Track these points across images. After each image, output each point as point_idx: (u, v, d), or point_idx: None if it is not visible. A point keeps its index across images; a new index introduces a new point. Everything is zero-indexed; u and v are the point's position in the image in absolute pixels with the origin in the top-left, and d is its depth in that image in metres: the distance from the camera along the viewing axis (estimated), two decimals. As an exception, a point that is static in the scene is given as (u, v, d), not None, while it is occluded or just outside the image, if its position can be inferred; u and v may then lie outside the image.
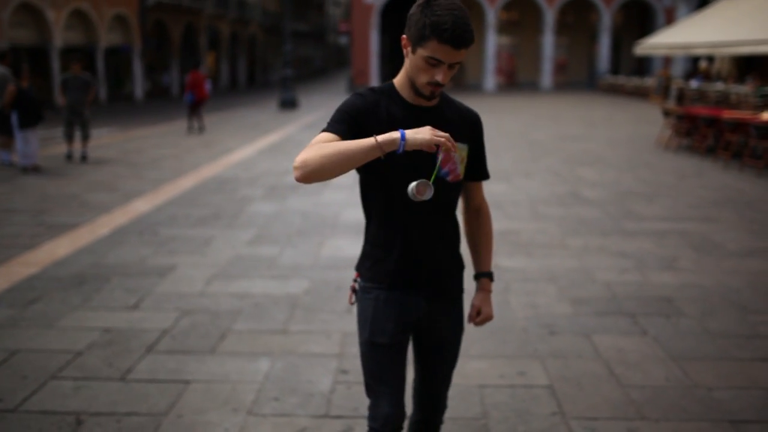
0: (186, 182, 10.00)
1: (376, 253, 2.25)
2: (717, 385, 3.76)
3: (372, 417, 2.30)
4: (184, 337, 4.39)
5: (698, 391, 3.70)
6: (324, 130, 2.05)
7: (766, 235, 7.04)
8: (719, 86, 22.42)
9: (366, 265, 2.28)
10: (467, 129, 2.28)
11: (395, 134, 1.87)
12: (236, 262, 6.04)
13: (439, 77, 2.03)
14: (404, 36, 2.09)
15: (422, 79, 2.06)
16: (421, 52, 2.01)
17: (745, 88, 20.97)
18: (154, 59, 32.51)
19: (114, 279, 5.55)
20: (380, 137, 1.87)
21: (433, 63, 2.01)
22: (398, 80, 2.20)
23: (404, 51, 2.11)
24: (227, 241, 6.77)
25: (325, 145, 1.92)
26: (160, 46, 33.06)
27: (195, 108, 17.14)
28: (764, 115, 11.94)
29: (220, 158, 12.51)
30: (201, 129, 17.31)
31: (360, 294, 2.30)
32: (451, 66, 2.03)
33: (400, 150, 1.88)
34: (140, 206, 8.34)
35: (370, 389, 2.31)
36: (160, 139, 15.87)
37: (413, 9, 2.05)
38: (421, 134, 1.86)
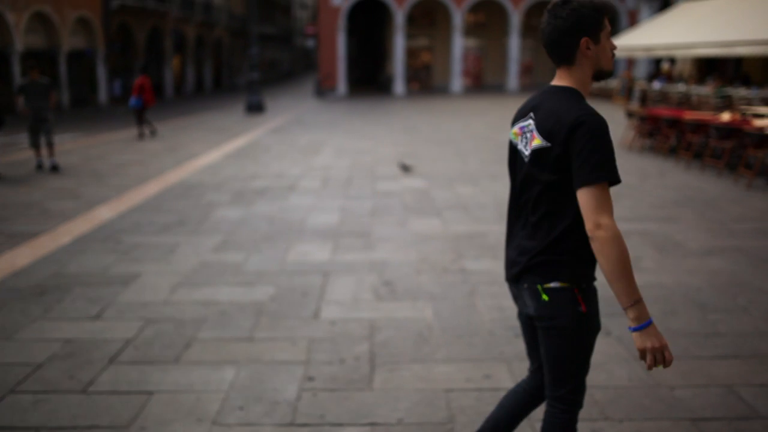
0: (150, 188, 9.89)
1: (585, 252, 2.32)
2: (678, 384, 3.82)
3: (581, 399, 2.47)
4: (148, 346, 4.34)
5: (660, 390, 3.76)
6: (610, 182, 2.20)
7: (726, 234, 7.17)
8: (681, 88, 22.81)
9: (583, 267, 2.33)
10: None
11: (644, 321, 2.18)
12: (201, 269, 5.98)
13: (614, 44, 2.39)
14: (585, 39, 2.30)
15: (609, 54, 2.36)
16: (604, 34, 2.32)
17: (706, 90, 21.37)
18: (118, 63, 32.08)
19: (76, 289, 5.46)
20: (634, 314, 2.18)
21: (610, 35, 2.36)
22: (578, 88, 2.37)
23: (587, 53, 2.32)
24: (192, 247, 6.70)
25: (625, 259, 2.16)
26: (124, 49, 32.66)
27: (141, 113, 16.78)
28: (724, 115, 12.17)
29: (186, 163, 12.39)
30: (153, 133, 17.01)
31: (590, 294, 2.34)
32: None
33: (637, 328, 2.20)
34: (103, 213, 8.23)
35: (583, 375, 2.44)
36: (124, 144, 15.68)
37: (582, 10, 2.27)
38: (650, 343, 2.17)
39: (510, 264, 2.48)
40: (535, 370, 2.66)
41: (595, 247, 2.17)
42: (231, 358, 4.17)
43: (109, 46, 30.17)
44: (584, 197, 2.18)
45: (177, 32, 37.42)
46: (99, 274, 5.84)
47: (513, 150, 2.48)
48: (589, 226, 2.18)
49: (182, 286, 5.53)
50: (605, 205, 2.16)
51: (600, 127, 2.19)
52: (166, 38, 35.74)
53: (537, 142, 2.31)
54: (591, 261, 2.33)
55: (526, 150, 2.37)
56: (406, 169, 11.29)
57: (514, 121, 2.48)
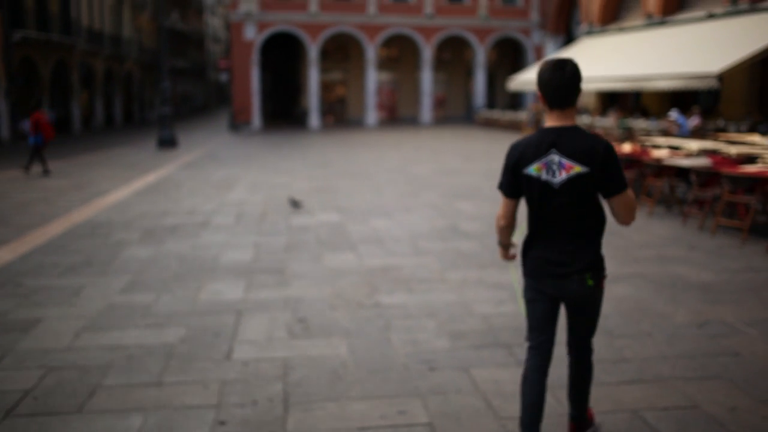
0: (55, 228, 9.50)
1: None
2: (587, 411, 3.91)
3: None
4: (49, 396, 4.13)
5: (570, 418, 3.83)
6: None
7: (630, 261, 7.46)
8: (585, 119, 23.74)
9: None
10: None
11: None
12: (108, 312, 5.77)
13: None
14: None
15: None
16: None
17: (609, 121, 22.32)
18: (21, 98, 30.86)
19: (-30, 337, 5.16)
20: None
21: None
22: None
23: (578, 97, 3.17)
24: (99, 289, 6.46)
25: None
26: (28, 83, 31.48)
27: (40, 150, 16.13)
28: (625, 146, 12.72)
29: (93, 201, 11.99)
30: (46, 172, 16.27)
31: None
32: None
33: None
34: (2, 256, 7.84)
35: None
36: (27, 182, 15.05)
37: (577, 66, 3.13)
38: None
39: (558, 267, 3.19)
40: (545, 340, 3.34)
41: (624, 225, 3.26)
42: (138, 405, 4.02)
43: (10, 80, 29.06)
44: (623, 198, 3.14)
45: (84, 66, 36.42)
46: (-4, 321, 5.53)
47: (531, 181, 3.16)
48: (630, 216, 3.19)
49: (87, 331, 5.30)
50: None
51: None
52: (73, 72, 34.72)
53: (577, 169, 3.07)
54: None
55: (555, 178, 3.10)
56: (295, 204, 11.03)
57: (531, 159, 3.14)
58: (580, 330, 3.39)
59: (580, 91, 3.13)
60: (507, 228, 3.39)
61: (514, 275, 3.73)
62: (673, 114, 17.08)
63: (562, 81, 3.08)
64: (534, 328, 3.35)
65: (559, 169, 3.08)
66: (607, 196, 3.13)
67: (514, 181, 3.23)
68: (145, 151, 22.87)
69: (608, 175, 3.07)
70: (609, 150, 3.08)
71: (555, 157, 3.09)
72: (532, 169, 3.14)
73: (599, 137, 3.12)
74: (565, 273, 3.17)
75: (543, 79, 3.12)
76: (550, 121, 3.17)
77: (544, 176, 3.11)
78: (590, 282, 3.18)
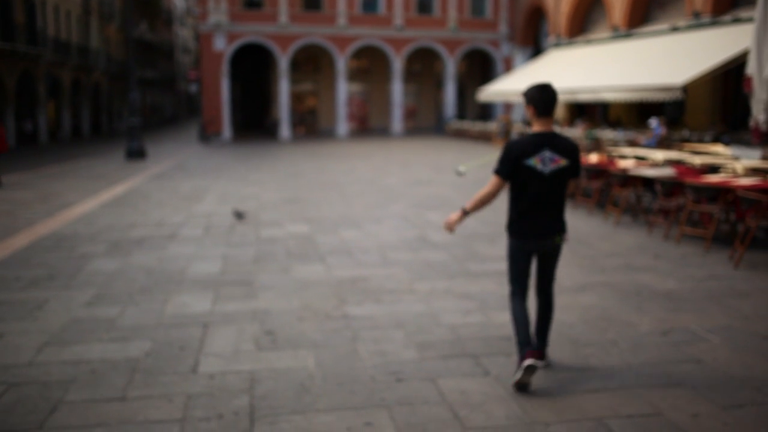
0: (18, 241, 9.34)
1: None
2: (553, 420, 3.94)
3: None
4: (8, 414, 4.05)
5: (536, 427, 3.86)
6: None
7: (597, 270, 7.54)
8: (555, 129, 23.93)
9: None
10: None
11: None
12: (72, 326, 5.68)
13: None
14: None
15: None
16: None
17: (577, 132, 22.59)
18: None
19: (-72, 353, 5.04)
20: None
21: None
22: None
23: None
24: (62, 303, 6.36)
25: None
26: (-8, 94, 30.99)
27: None
28: (592, 156, 12.88)
29: (59, 213, 11.81)
30: None
31: None
32: None
33: None
34: (-36, 270, 7.68)
35: None
36: (-9, 194, 14.78)
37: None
38: None
39: (543, 230, 4.40)
40: (524, 287, 4.52)
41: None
42: (101, 421, 3.96)
43: (-25, 90, 28.56)
44: (575, 180, 4.50)
45: (51, 76, 35.97)
46: (-44, 337, 5.42)
47: (529, 170, 4.29)
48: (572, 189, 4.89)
49: (49, 346, 5.22)
50: None
51: None
52: (39, 83, 34.26)
53: (563, 162, 4.32)
54: None
55: (546, 168, 4.28)
56: (239, 216, 10.92)
57: (530, 154, 4.27)
58: (547, 275, 4.60)
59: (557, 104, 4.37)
60: (490, 202, 4.45)
61: (464, 166, 4.78)
62: (653, 122, 17.48)
63: (550, 97, 4.30)
64: (516, 279, 4.53)
65: (550, 162, 4.28)
66: (571, 177, 4.41)
67: (512, 169, 4.31)
68: (113, 163, 22.62)
69: (577, 165, 4.41)
70: (578, 148, 4.43)
71: (548, 153, 4.28)
72: (531, 161, 4.28)
73: (572, 140, 4.41)
74: (545, 234, 4.41)
75: (534, 97, 4.29)
76: (537, 127, 4.35)
77: (539, 167, 4.28)
78: (558, 240, 4.47)
